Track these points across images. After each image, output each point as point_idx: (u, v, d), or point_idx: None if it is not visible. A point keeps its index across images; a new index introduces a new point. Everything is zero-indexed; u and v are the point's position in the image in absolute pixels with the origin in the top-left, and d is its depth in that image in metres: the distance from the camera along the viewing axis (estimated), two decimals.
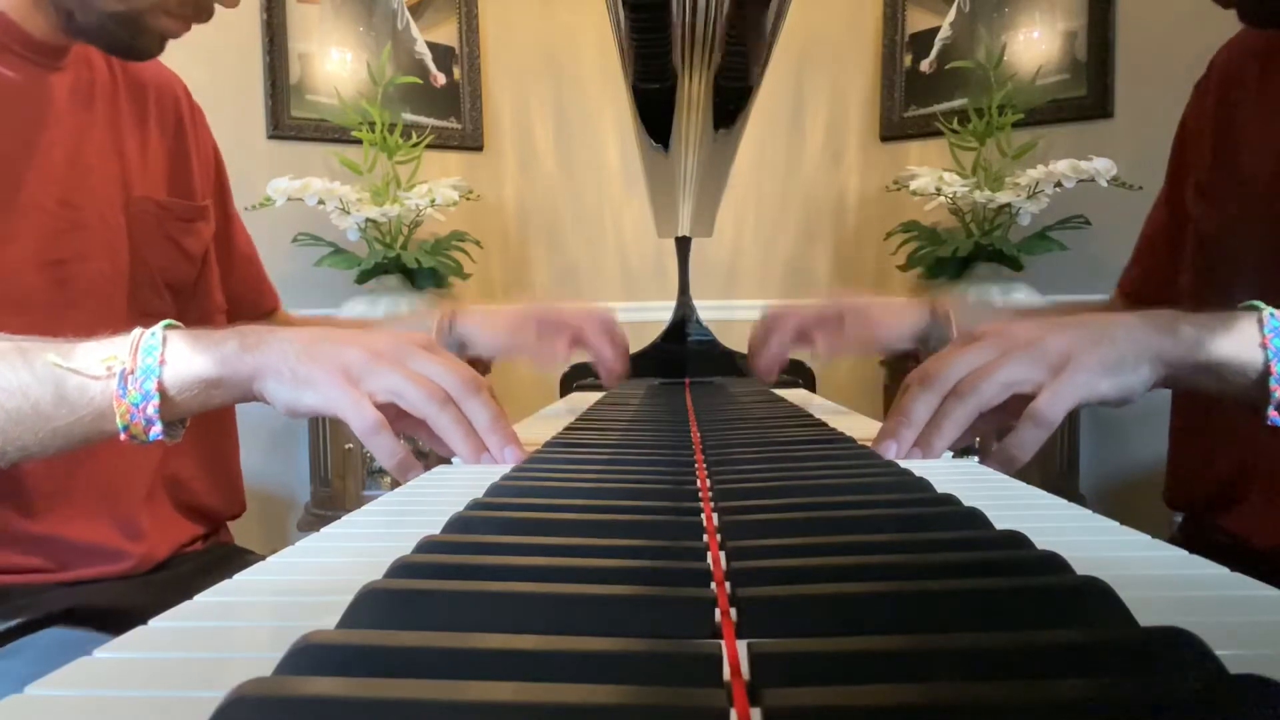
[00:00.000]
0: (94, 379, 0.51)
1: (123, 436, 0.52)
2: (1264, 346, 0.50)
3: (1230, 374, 0.51)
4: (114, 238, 0.73)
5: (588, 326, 0.84)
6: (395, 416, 0.54)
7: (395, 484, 0.52)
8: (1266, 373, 0.50)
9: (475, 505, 0.37)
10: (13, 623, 0.61)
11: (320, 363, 0.52)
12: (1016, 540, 0.29)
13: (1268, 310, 0.52)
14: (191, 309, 0.81)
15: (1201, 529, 0.81)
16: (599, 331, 0.84)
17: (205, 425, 0.82)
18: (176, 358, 0.52)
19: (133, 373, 0.51)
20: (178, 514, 0.77)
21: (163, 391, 0.51)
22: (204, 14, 0.68)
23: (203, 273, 0.82)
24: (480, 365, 0.83)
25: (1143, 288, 0.94)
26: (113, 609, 0.65)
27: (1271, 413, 0.50)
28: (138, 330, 0.53)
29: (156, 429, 0.52)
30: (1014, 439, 0.51)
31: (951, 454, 0.59)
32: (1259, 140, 0.77)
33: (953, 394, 0.53)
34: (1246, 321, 0.52)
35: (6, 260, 0.65)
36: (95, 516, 0.69)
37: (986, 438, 0.58)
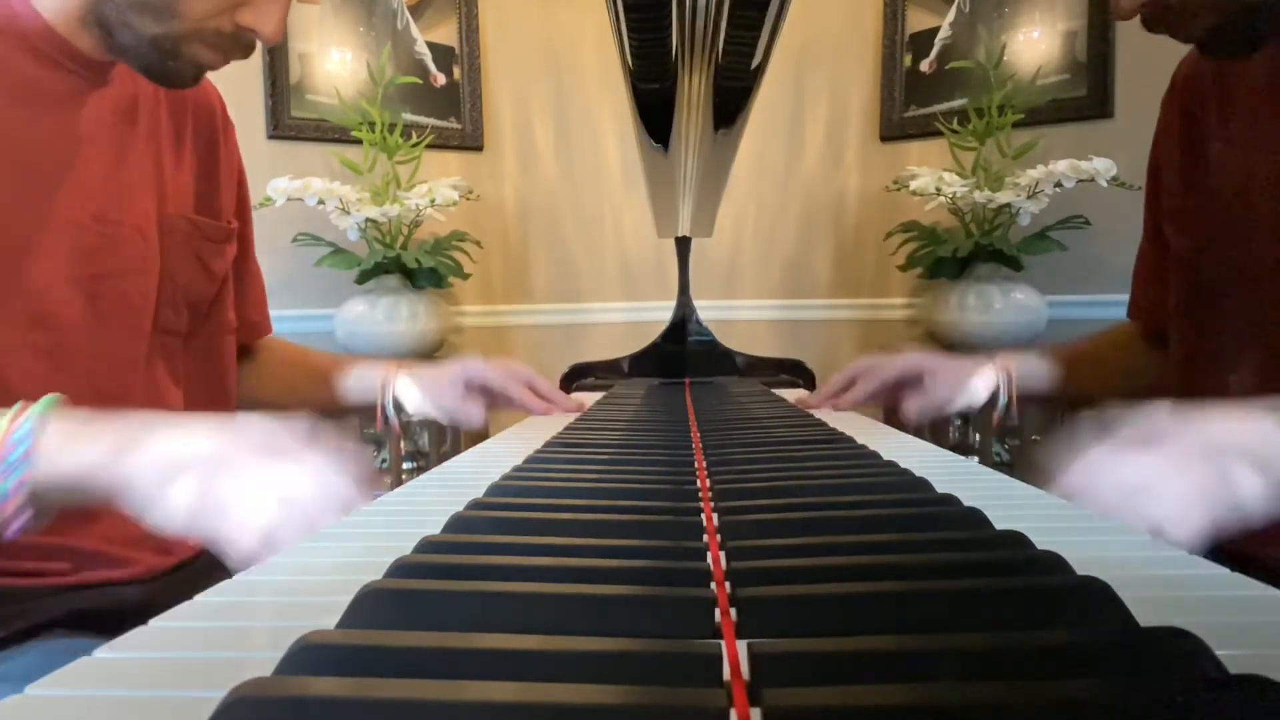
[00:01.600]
0: None
1: None
2: None
3: None
4: (148, 254, 0.72)
5: (509, 386, 0.89)
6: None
7: (395, 484, 0.52)
8: None
9: (475, 505, 0.37)
10: (16, 627, 0.61)
11: (185, 483, 0.47)
12: (1016, 540, 0.29)
13: None
14: (205, 327, 0.81)
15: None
16: (518, 387, 0.89)
17: None
18: (46, 453, 0.48)
19: None
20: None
21: (31, 485, 0.47)
22: (243, 49, 0.67)
23: (220, 292, 0.82)
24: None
25: (1149, 315, 0.93)
26: (114, 611, 0.65)
27: None
28: (15, 409, 0.48)
29: (18, 525, 0.47)
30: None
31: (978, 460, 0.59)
32: (1222, 159, 0.75)
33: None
34: None
35: (37, 276, 0.64)
36: (108, 525, 0.69)
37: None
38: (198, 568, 0.77)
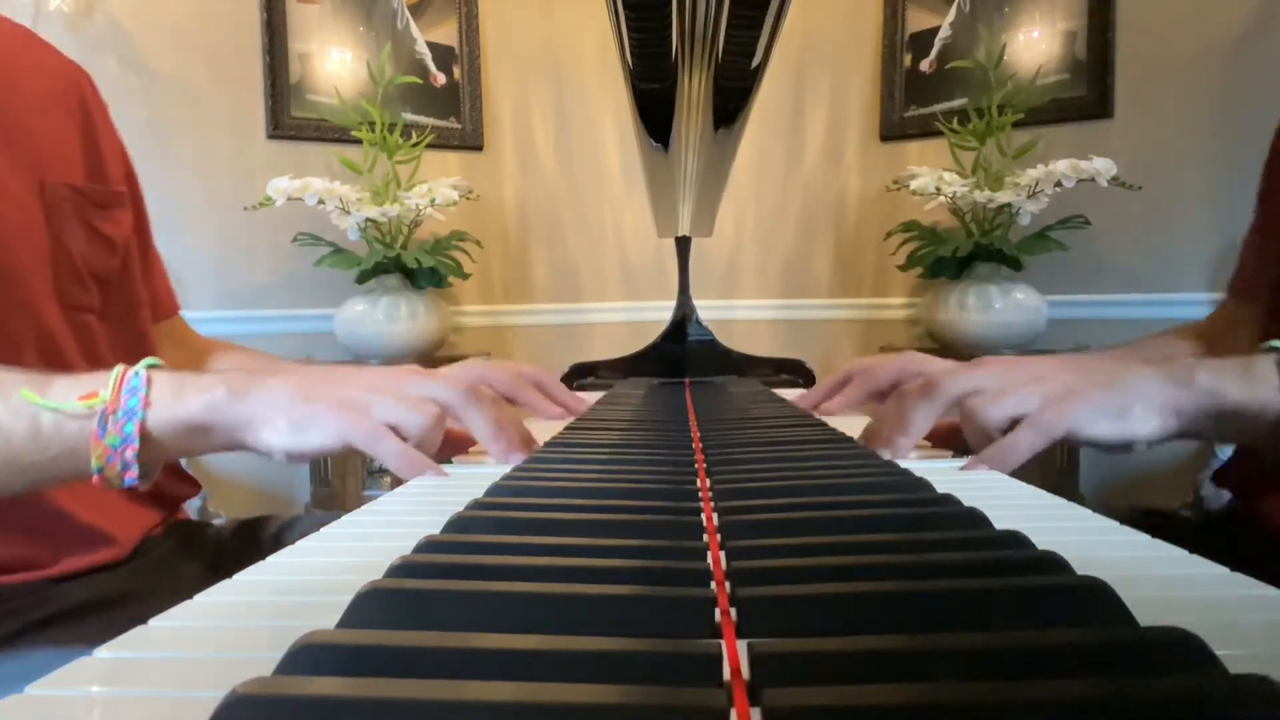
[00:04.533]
0: (71, 417, 0.49)
1: (95, 479, 0.50)
2: None
3: (1248, 420, 0.49)
4: (30, 225, 0.70)
5: (519, 391, 0.75)
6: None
7: (395, 484, 0.52)
8: None
9: (475, 505, 0.37)
10: (14, 625, 0.61)
11: (318, 402, 0.51)
12: (1016, 540, 0.29)
13: None
14: (117, 302, 0.79)
15: (1251, 514, 0.80)
16: (527, 389, 0.75)
17: None
18: (161, 400, 0.50)
19: (114, 413, 0.49)
20: (135, 502, 0.76)
21: (144, 435, 0.49)
22: None
23: (126, 264, 0.80)
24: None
25: (1253, 288, 0.92)
26: (100, 600, 0.65)
27: None
28: (120, 367, 0.51)
29: (132, 474, 0.49)
30: (1010, 439, 0.51)
31: (952, 454, 0.59)
32: None
33: (963, 410, 0.54)
34: (1265, 365, 0.50)
35: None
36: (78, 504, 0.68)
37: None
38: (164, 548, 0.76)
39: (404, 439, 0.53)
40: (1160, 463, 1.89)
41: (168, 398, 0.50)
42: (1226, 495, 0.84)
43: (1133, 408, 0.50)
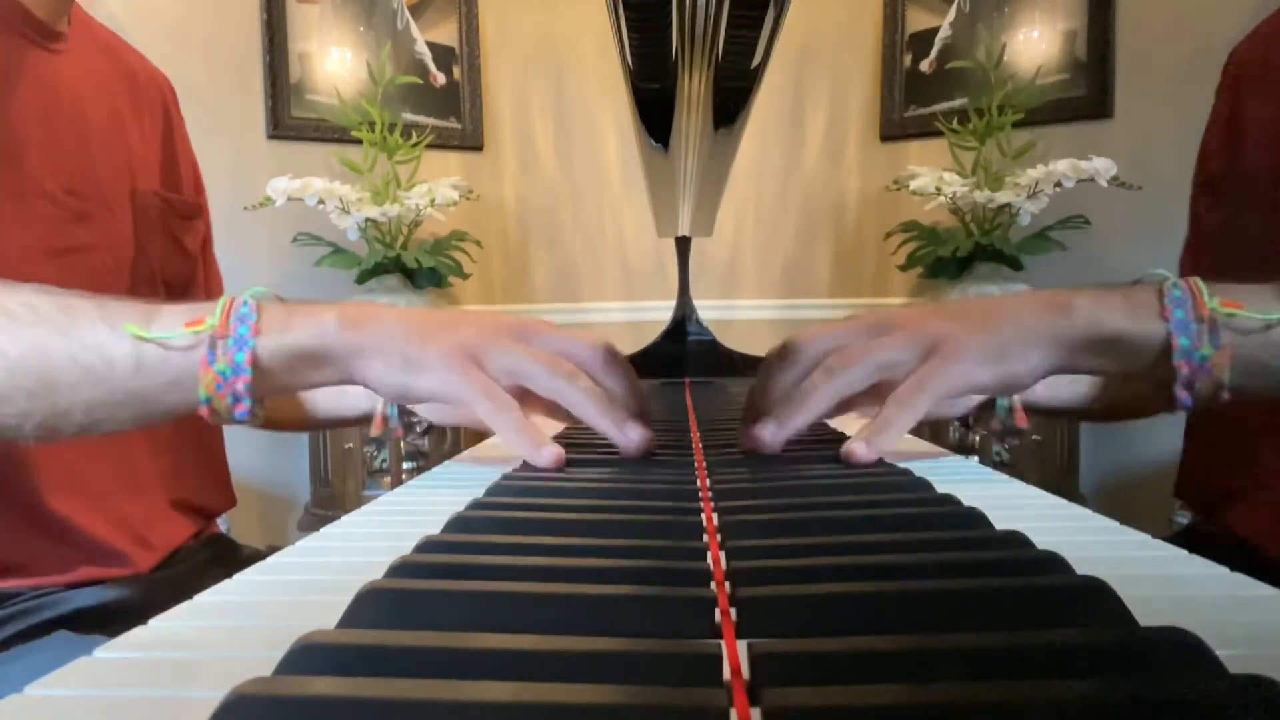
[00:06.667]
0: (179, 349, 0.46)
1: (203, 410, 0.47)
2: (1163, 318, 0.46)
3: (1129, 351, 0.46)
4: (119, 230, 0.71)
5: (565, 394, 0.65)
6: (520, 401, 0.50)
7: (395, 484, 0.52)
8: (1167, 348, 0.45)
9: (475, 505, 0.37)
10: (20, 626, 0.61)
11: (435, 343, 0.48)
12: (1016, 540, 0.29)
13: (1171, 280, 0.47)
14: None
15: (1210, 529, 0.80)
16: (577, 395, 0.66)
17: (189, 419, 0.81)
18: (272, 327, 0.47)
19: (223, 339, 0.46)
20: (173, 511, 0.76)
21: (255, 364, 0.46)
22: None
23: (193, 273, 0.82)
24: None
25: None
26: (114, 610, 0.65)
27: (1180, 393, 0.46)
28: (228, 295, 0.49)
29: (244, 407, 0.47)
30: (878, 420, 0.48)
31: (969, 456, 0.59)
32: (1262, 131, 0.74)
33: (820, 369, 0.50)
34: (1146, 292, 0.47)
35: (14, 246, 0.63)
36: (98, 518, 0.68)
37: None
38: (191, 562, 0.76)
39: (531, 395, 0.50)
40: (1162, 460, 1.89)
41: (278, 325, 0.48)
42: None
43: (1010, 345, 0.47)
